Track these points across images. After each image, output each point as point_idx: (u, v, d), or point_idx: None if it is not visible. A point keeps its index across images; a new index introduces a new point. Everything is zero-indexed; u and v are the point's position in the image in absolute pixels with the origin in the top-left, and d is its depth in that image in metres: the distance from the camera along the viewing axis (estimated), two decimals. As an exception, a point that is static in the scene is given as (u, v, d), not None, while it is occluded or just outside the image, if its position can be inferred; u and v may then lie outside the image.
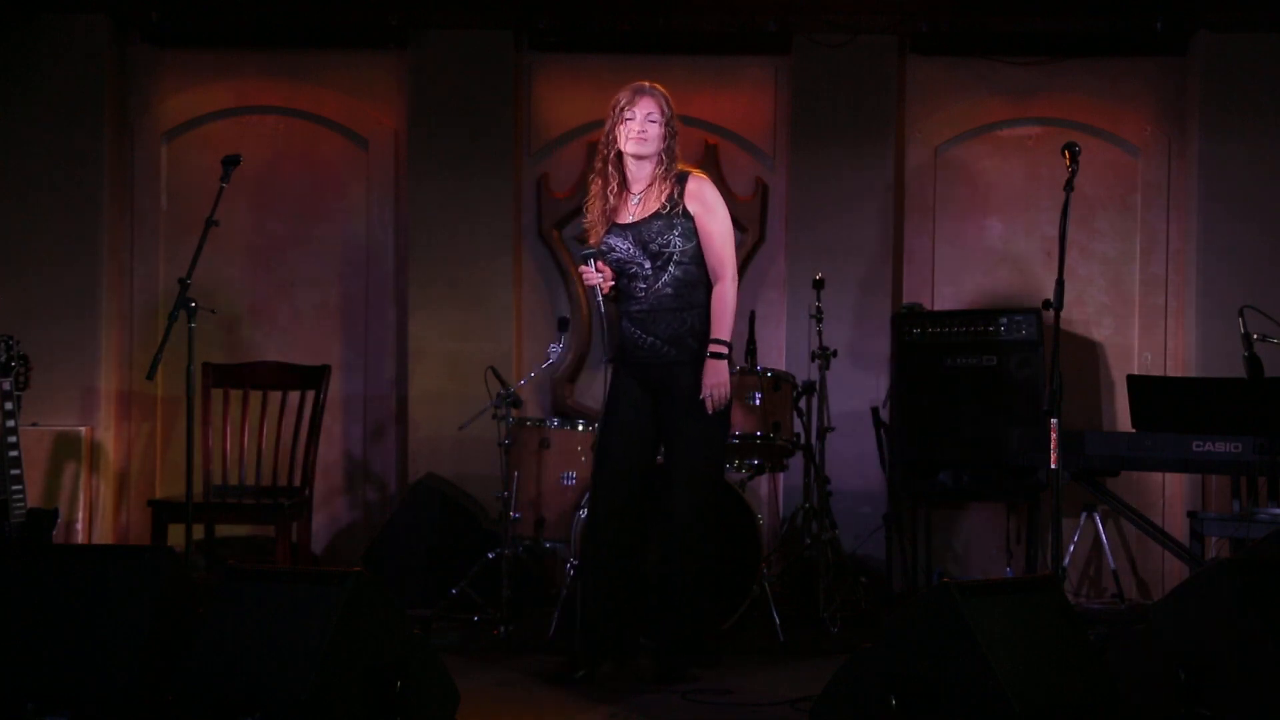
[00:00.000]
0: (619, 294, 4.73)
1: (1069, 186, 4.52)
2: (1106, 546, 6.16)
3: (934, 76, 6.39)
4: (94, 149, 6.20)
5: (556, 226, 6.42)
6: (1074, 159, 4.56)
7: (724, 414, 4.72)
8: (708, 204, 4.71)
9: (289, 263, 6.43)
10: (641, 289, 4.67)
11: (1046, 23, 6.28)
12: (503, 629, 5.23)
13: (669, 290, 4.66)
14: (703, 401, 4.62)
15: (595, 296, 4.65)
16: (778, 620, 5.23)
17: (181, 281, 4.69)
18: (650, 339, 4.67)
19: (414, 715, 3.64)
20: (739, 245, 6.34)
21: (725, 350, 4.67)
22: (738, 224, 6.35)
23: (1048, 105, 6.38)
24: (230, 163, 4.87)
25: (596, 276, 4.62)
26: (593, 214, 4.79)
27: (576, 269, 4.73)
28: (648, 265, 4.66)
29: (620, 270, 4.68)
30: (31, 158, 6.17)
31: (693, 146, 6.38)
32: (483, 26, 6.29)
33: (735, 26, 6.29)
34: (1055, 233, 4.54)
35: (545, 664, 4.85)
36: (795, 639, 5.26)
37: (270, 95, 6.42)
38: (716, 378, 4.65)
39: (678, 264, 4.66)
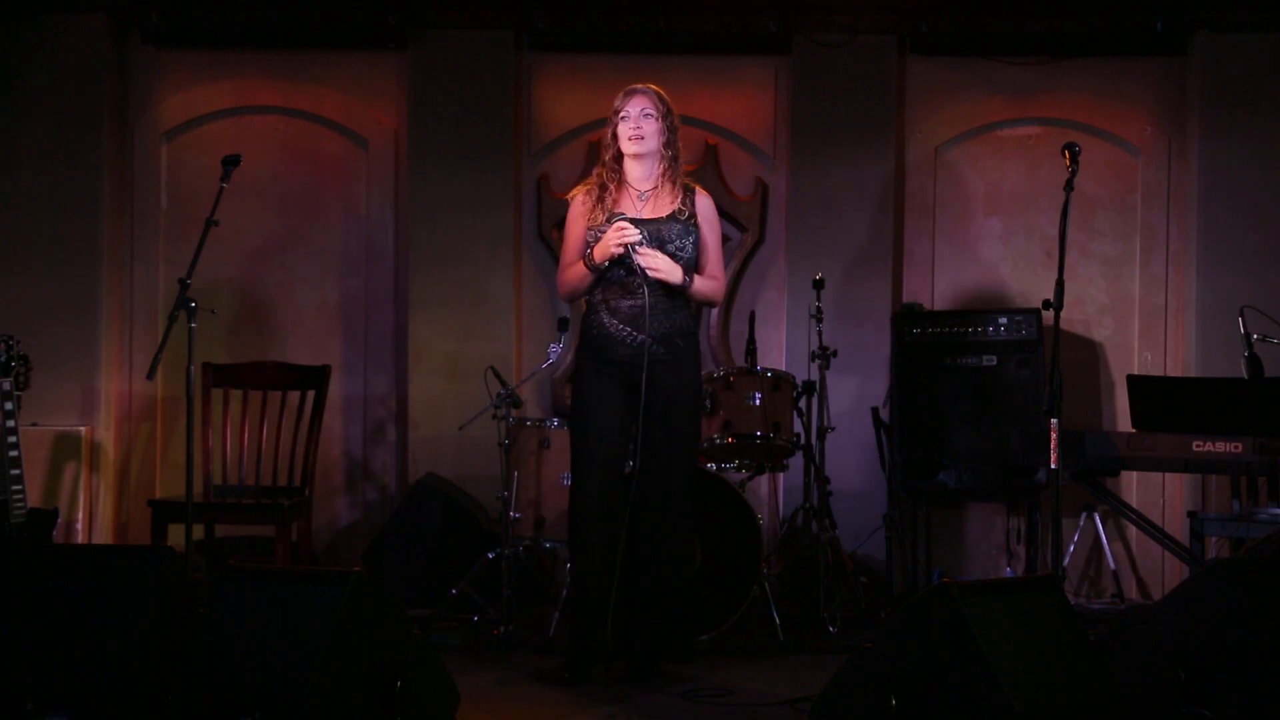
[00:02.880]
0: (608, 286, 4.72)
1: (1069, 186, 4.53)
2: (1106, 546, 6.16)
3: (934, 76, 6.39)
4: (94, 149, 6.19)
5: (557, 226, 6.39)
6: (1074, 159, 4.57)
7: (699, 417, 4.93)
8: (711, 221, 4.85)
9: (289, 263, 6.42)
10: (639, 284, 4.66)
11: (1046, 23, 6.28)
12: (503, 629, 5.23)
13: (663, 291, 4.69)
14: (683, 404, 4.72)
15: (624, 260, 4.62)
16: (778, 620, 5.24)
17: (181, 281, 4.69)
18: (640, 337, 4.66)
19: (414, 715, 3.64)
20: (739, 245, 6.41)
21: (683, 281, 4.68)
22: (738, 224, 6.42)
23: (1048, 105, 6.38)
24: (230, 163, 4.87)
25: (635, 232, 4.60)
26: (583, 205, 4.78)
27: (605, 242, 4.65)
28: None
29: (618, 261, 4.67)
30: (31, 158, 6.16)
31: (693, 146, 6.38)
32: (483, 26, 6.29)
33: (735, 26, 6.29)
34: (1055, 233, 4.55)
35: (545, 664, 4.85)
36: (795, 639, 5.27)
37: (270, 95, 6.42)
38: (663, 263, 4.65)
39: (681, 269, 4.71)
